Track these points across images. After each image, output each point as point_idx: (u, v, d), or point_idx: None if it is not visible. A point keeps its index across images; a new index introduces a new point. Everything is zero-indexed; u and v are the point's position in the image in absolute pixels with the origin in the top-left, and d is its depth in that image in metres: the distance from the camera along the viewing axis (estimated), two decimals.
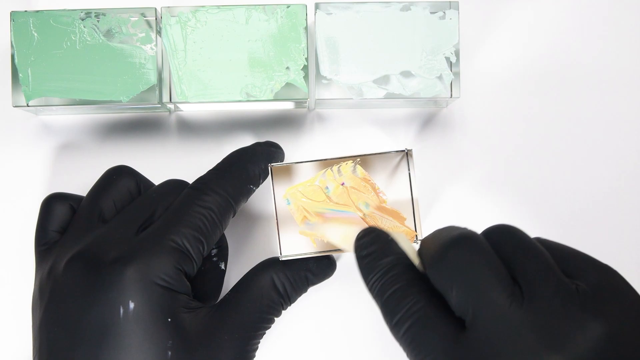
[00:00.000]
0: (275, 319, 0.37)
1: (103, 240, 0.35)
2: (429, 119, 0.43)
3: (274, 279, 0.36)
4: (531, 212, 0.43)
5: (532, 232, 0.43)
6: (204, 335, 0.34)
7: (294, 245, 0.37)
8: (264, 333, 0.36)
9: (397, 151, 0.36)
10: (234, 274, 0.42)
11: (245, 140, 0.43)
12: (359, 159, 0.36)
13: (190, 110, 0.43)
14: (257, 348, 0.36)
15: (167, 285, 0.34)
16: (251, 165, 0.37)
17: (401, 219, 0.36)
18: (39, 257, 0.37)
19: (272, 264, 0.37)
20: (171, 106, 0.41)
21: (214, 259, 0.39)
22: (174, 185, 0.37)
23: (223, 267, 0.39)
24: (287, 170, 0.37)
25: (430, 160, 0.43)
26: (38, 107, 0.39)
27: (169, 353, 0.33)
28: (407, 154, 0.36)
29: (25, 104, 0.38)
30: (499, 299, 0.26)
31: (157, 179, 0.39)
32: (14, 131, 0.42)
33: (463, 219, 0.43)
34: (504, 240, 0.28)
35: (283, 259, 0.36)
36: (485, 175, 0.43)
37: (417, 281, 0.29)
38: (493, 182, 0.43)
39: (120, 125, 0.43)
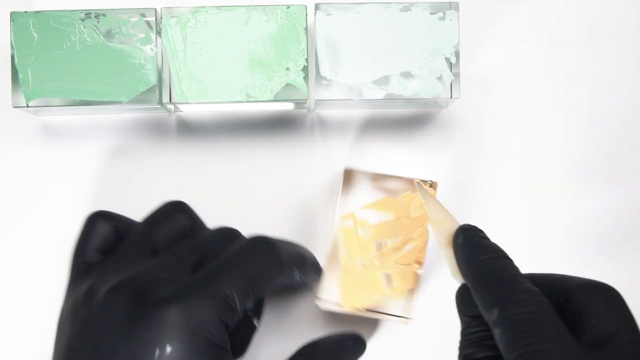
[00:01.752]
0: None
1: (152, 275, 0.34)
2: (429, 119, 0.43)
3: None
4: (531, 212, 0.43)
5: (532, 231, 0.43)
6: None
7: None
8: None
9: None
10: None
11: (245, 141, 0.42)
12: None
13: (190, 110, 0.43)
14: None
15: (209, 337, 0.32)
16: (302, 267, 0.37)
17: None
18: (76, 275, 0.36)
19: (311, 354, 0.36)
20: (171, 107, 0.41)
21: (249, 313, 0.38)
22: (229, 234, 0.37)
23: (256, 323, 0.38)
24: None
25: (430, 161, 0.43)
26: (38, 108, 0.39)
27: None
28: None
29: (25, 105, 0.38)
30: None
31: (157, 179, 0.39)
32: (14, 131, 0.42)
33: (463, 220, 0.43)
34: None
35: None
36: (486, 176, 0.43)
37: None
38: (493, 182, 0.43)
39: (120, 125, 0.43)
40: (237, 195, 0.42)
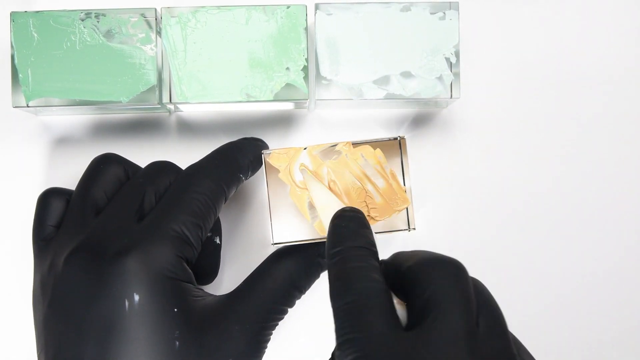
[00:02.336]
0: (289, 309, 0.37)
1: (100, 232, 0.35)
2: (429, 119, 0.43)
3: (288, 268, 0.36)
4: (530, 212, 0.43)
5: (533, 231, 0.43)
6: (213, 324, 0.34)
7: (286, 232, 0.37)
8: (277, 324, 0.36)
9: (390, 139, 0.37)
10: (228, 261, 0.42)
11: None
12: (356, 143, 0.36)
13: (190, 110, 0.43)
14: (269, 339, 0.36)
15: (171, 275, 0.34)
16: (241, 157, 0.38)
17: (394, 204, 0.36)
18: (38, 253, 0.37)
19: (285, 254, 0.37)
20: (171, 107, 0.41)
21: (209, 234, 0.39)
22: (160, 167, 0.38)
23: (218, 241, 0.39)
24: (279, 159, 0.37)
25: (430, 160, 0.43)
26: (38, 108, 0.39)
27: (177, 343, 0.33)
28: (399, 141, 0.37)
29: (25, 105, 0.38)
30: (473, 318, 0.26)
31: None
32: (14, 132, 0.42)
33: (463, 219, 0.43)
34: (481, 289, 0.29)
35: (274, 244, 0.36)
36: (485, 175, 0.43)
37: (378, 270, 0.29)
38: (493, 182, 0.43)
39: (120, 125, 0.43)
40: (237, 195, 0.42)
